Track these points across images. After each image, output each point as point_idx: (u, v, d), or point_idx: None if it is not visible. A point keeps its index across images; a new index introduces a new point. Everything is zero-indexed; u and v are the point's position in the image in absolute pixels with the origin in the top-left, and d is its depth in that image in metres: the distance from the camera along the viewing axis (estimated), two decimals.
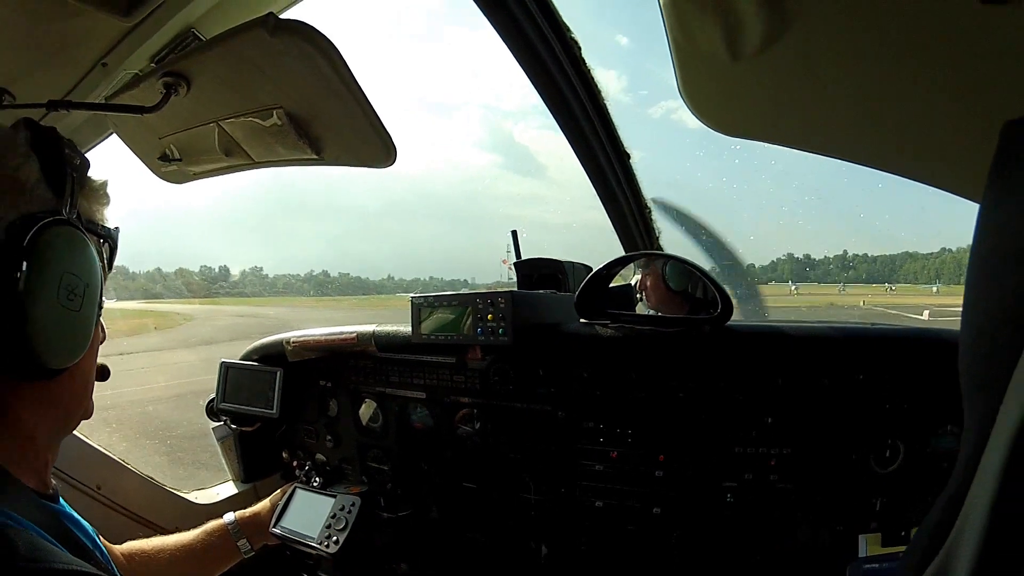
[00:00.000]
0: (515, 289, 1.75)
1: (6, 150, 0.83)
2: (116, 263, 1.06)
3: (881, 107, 1.02)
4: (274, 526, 1.92)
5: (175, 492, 2.17)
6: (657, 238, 2.30)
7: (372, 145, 1.24)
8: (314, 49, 1.03)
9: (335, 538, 1.85)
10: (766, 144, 1.23)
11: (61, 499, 0.96)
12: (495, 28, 1.60)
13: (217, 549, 1.71)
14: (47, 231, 0.82)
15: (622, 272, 1.76)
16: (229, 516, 1.78)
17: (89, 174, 0.96)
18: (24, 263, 0.79)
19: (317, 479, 2.13)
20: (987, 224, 0.49)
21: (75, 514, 0.98)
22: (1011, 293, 0.46)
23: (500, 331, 1.64)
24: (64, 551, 0.76)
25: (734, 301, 1.51)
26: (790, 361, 1.54)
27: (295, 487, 2.04)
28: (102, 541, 1.09)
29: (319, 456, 2.24)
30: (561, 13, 1.64)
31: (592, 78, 1.79)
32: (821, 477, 1.53)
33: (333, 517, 1.91)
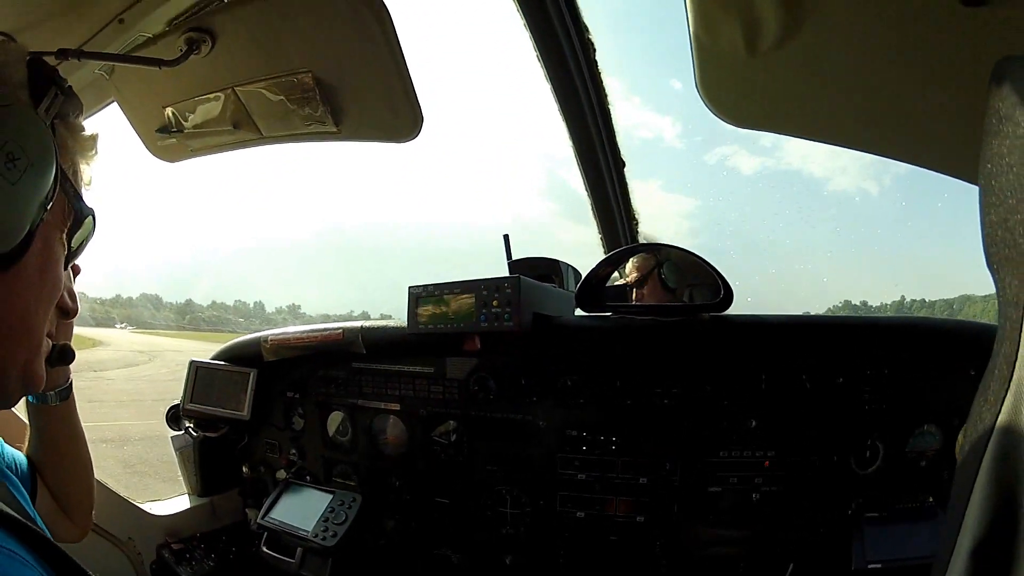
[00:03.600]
0: (521, 276, 1.74)
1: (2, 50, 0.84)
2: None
3: (884, 98, 1.16)
4: (262, 518, 1.93)
5: (131, 501, 2.11)
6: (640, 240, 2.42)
7: (400, 116, 1.28)
8: (366, 9, 1.08)
9: (332, 532, 1.86)
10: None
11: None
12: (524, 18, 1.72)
13: None
14: (7, 109, 0.79)
15: (613, 275, 1.85)
16: None
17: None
18: None
19: (308, 476, 2.13)
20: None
21: (12, 480, 0.98)
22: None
23: (506, 316, 1.62)
24: None
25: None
26: (779, 350, 1.64)
27: (287, 480, 2.05)
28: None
29: (279, 473, 2.20)
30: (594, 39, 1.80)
31: (601, 81, 1.91)
32: (804, 479, 1.60)
33: (331, 511, 1.93)
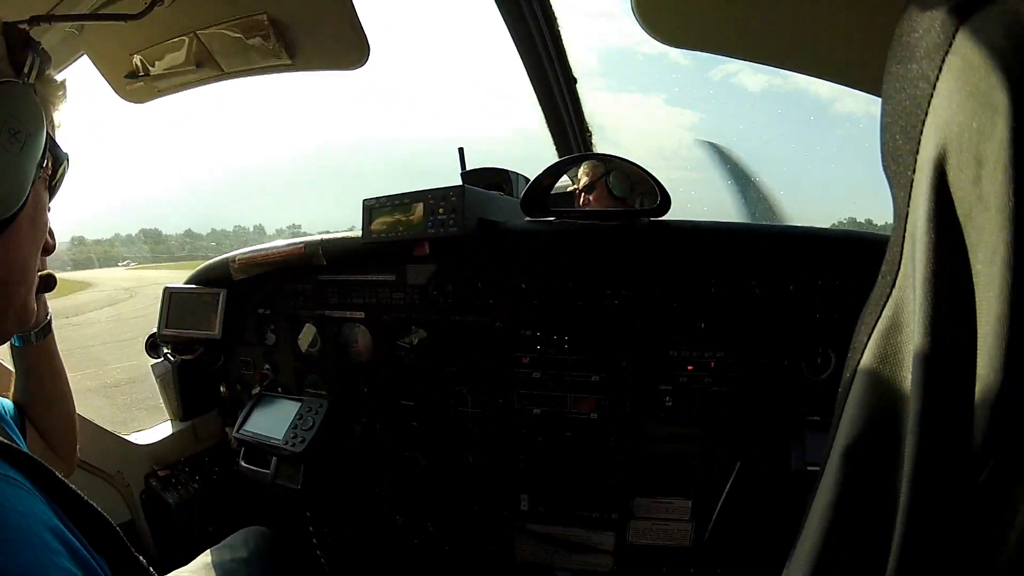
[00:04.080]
0: (466, 186, 1.96)
1: None
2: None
3: (807, 19, 1.30)
4: (236, 431, 2.11)
5: (117, 435, 2.29)
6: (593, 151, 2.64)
7: (348, 45, 1.53)
8: None
9: (301, 438, 2.03)
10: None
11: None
12: None
13: None
14: (5, 86, 0.91)
15: (561, 183, 2.06)
16: None
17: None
18: None
19: (280, 389, 2.36)
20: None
21: (6, 419, 1.05)
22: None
23: (451, 223, 1.87)
24: None
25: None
26: (723, 257, 1.79)
27: (259, 393, 2.23)
28: None
29: (255, 389, 2.42)
30: None
31: (551, 6, 2.14)
32: (754, 381, 1.76)
33: (300, 418, 2.09)
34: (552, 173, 1.93)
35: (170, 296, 2.43)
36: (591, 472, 1.94)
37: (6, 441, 0.78)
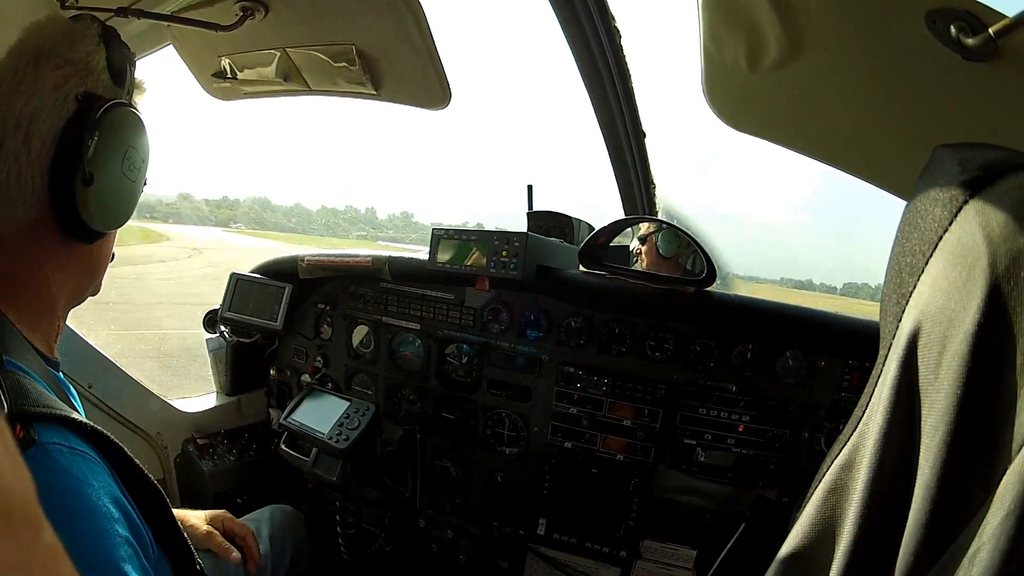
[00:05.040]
0: (529, 232, 1.99)
1: (81, 37, 0.96)
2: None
3: (874, 129, 1.28)
4: (285, 419, 2.11)
5: (162, 399, 2.33)
6: (657, 211, 2.60)
7: (430, 89, 1.46)
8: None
9: (345, 436, 2.02)
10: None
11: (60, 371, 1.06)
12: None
13: None
14: (117, 110, 0.97)
15: (621, 238, 2.02)
16: None
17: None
18: (96, 133, 0.94)
19: (330, 383, 2.39)
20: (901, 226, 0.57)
21: (71, 390, 1.08)
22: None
23: (512, 266, 1.91)
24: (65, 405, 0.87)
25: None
26: (760, 332, 1.79)
27: (310, 387, 2.24)
28: None
29: (304, 377, 2.48)
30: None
31: (626, 60, 2.07)
32: (774, 449, 1.77)
33: (347, 417, 2.07)
34: (608, 232, 1.94)
35: (236, 282, 2.44)
36: (609, 509, 1.96)
37: (77, 416, 0.83)
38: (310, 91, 1.64)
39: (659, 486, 1.90)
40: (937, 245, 0.48)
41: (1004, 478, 0.40)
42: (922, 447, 0.46)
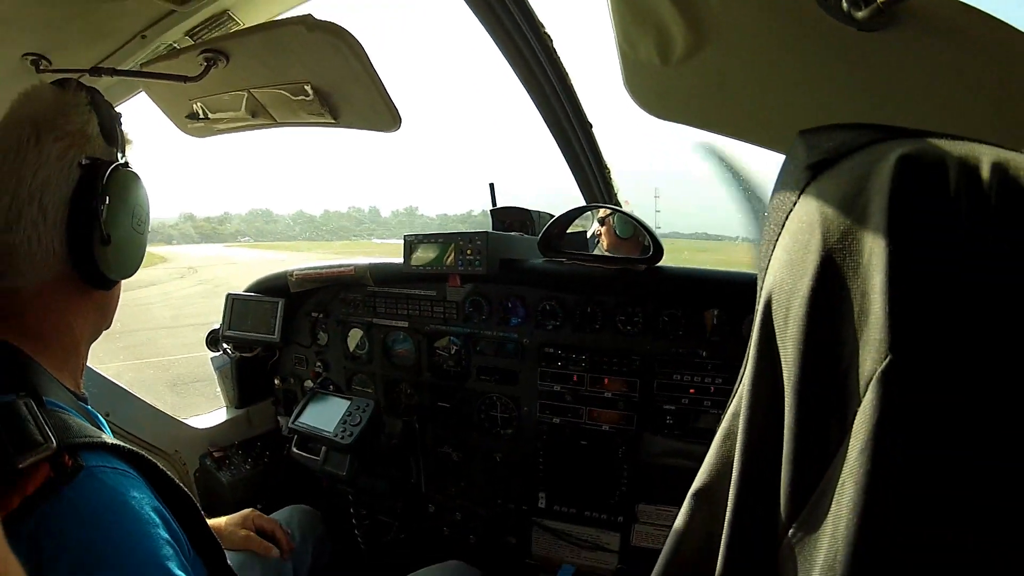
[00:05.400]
0: (490, 230, 2.17)
1: (74, 108, 1.04)
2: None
3: (780, 105, 1.35)
4: (292, 423, 2.27)
5: (175, 418, 2.47)
6: (616, 193, 2.70)
7: (381, 115, 1.58)
8: (342, 43, 1.36)
9: (349, 432, 2.19)
10: None
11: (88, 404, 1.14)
12: (483, 25, 2.00)
13: None
14: (119, 172, 1.05)
15: (582, 222, 2.18)
16: None
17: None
18: (107, 198, 1.02)
19: (331, 386, 2.54)
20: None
21: (100, 417, 1.17)
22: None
23: (476, 263, 2.08)
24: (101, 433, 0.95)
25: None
26: (711, 300, 1.88)
27: (313, 391, 2.40)
28: None
29: (308, 383, 2.63)
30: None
31: (561, 62, 2.19)
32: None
33: (349, 415, 2.25)
34: (561, 222, 2.08)
35: (232, 302, 2.59)
36: (602, 478, 2.08)
37: (114, 440, 0.92)
38: (277, 124, 1.75)
39: (646, 452, 2.00)
40: (784, 226, 0.54)
41: (856, 418, 0.46)
42: (785, 395, 0.52)
